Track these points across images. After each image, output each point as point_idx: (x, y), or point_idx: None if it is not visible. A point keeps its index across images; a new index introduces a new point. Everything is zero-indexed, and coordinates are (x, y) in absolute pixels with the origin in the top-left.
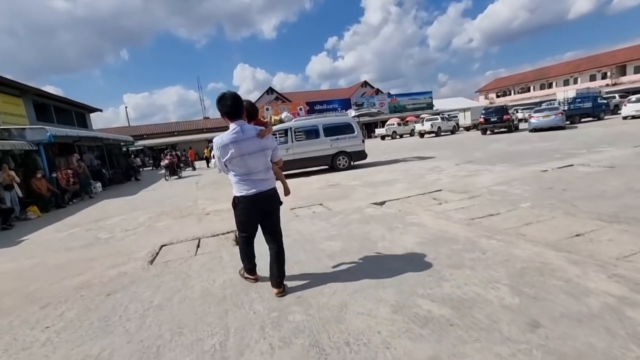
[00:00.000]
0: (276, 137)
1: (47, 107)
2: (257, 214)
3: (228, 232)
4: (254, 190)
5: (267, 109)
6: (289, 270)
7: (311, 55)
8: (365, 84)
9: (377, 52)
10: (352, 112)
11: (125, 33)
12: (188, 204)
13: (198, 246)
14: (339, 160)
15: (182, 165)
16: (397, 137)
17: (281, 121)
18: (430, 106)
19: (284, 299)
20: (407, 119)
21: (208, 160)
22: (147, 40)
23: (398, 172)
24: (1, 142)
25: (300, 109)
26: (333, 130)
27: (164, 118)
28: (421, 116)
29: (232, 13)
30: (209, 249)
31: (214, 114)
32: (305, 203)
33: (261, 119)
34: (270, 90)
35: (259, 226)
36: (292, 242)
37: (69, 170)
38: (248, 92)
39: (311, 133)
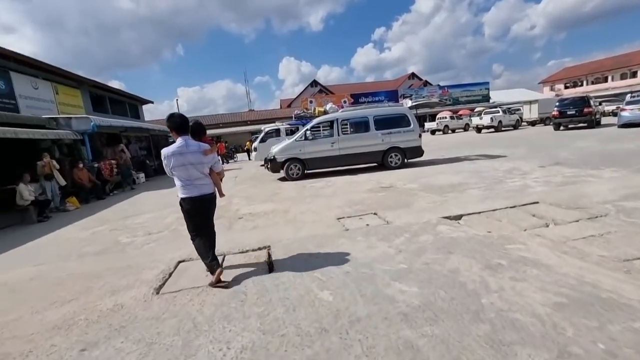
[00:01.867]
0: (319, 130)
1: (102, 98)
2: (198, 212)
3: (259, 249)
4: (195, 193)
5: (311, 102)
6: (343, 334)
7: (357, 47)
8: (413, 75)
9: (427, 42)
10: (408, 102)
11: (181, 30)
12: (221, 203)
13: (221, 267)
14: (391, 157)
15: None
16: (449, 131)
17: (325, 112)
18: (486, 98)
19: None
20: (460, 112)
21: (249, 152)
22: (201, 36)
23: (466, 174)
24: (46, 131)
25: (344, 102)
26: (385, 123)
27: (212, 111)
28: (476, 109)
29: (281, 6)
30: (233, 273)
31: (260, 106)
32: (354, 211)
33: (208, 137)
34: (314, 83)
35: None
36: (343, 275)
37: (112, 161)
38: (293, 85)
39: (360, 125)
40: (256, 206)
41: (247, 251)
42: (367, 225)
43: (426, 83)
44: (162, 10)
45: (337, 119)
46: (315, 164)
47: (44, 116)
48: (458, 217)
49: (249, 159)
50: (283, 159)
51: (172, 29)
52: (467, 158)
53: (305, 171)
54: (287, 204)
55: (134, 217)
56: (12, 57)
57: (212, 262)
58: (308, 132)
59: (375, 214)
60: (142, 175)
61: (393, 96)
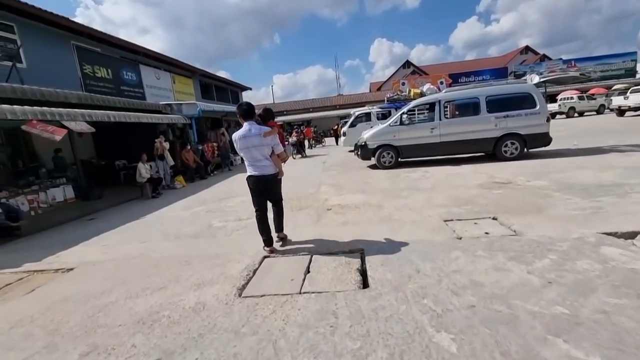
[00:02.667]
0: (414, 114)
1: (209, 86)
2: (262, 192)
3: (350, 252)
4: (257, 173)
5: (403, 84)
6: None
7: (457, 21)
8: (527, 49)
9: (548, 9)
10: (535, 78)
11: (279, 19)
12: (309, 191)
13: (307, 271)
14: (506, 145)
15: (313, 142)
16: (574, 114)
17: (422, 94)
18: (631, 73)
19: None
20: (592, 90)
21: (337, 137)
22: (296, 23)
23: (620, 171)
24: (161, 116)
25: (441, 83)
26: (501, 104)
27: (304, 96)
28: (614, 87)
29: None
30: (321, 283)
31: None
32: (465, 212)
33: (274, 122)
34: (407, 64)
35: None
36: (466, 310)
37: (214, 143)
38: (384, 67)
39: (467, 108)
40: (346, 197)
41: (336, 253)
42: (487, 234)
43: (544, 57)
44: (262, 1)
45: (439, 101)
46: (411, 151)
47: (161, 102)
48: (631, 235)
49: (336, 144)
50: (375, 146)
51: (271, 19)
52: (615, 149)
53: (399, 159)
54: (379, 196)
55: (227, 200)
56: (141, 52)
57: (263, 236)
58: (404, 116)
59: (494, 218)
60: (238, 157)
61: (501, 74)
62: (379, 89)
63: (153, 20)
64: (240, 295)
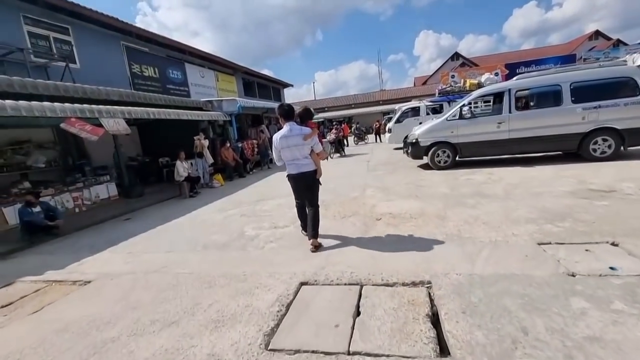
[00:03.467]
0: (477, 106)
1: (252, 84)
2: (301, 188)
3: (413, 285)
4: (296, 171)
5: (453, 76)
6: None
7: (513, 8)
8: (597, 34)
9: None
10: (638, 59)
11: (321, 16)
12: (353, 194)
13: (357, 312)
14: (596, 143)
15: (355, 139)
16: None
17: (480, 86)
18: None
19: None
20: None
21: (379, 134)
22: (338, 19)
23: None
24: (201, 113)
25: (496, 74)
26: (591, 92)
27: (345, 92)
28: None
29: None
30: (377, 336)
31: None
32: (566, 232)
33: (312, 122)
34: (456, 56)
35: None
36: None
37: (253, 141)
38: (430, 60)
39: (546, 97)
40: (397, 203)
41: (393, 284)
42: (614, 269)
43: (618, 42)
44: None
45: (509, 90)
46: (472, 150)
47: (202, 100)
48: None
49: (378, 141)
50: (428, 143)
51: (314, 16)
52: None
53: (457, 159)
54: (438, 204)
55: (264, 202)
56: (187, 51)
57: (307, 234)
58: (465, 108)
59: (614, 244)
60: None
61: (568, 62)
62: (424, 83)
63: (202, 23)
64: (267, 347)
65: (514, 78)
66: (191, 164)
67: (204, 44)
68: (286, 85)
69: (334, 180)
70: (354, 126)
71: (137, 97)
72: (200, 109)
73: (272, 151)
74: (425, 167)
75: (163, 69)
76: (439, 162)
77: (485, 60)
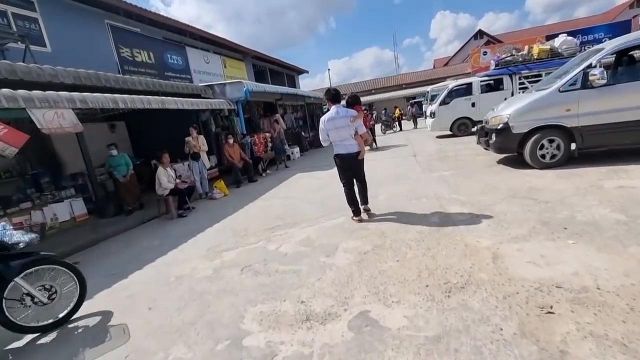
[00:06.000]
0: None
1: (263, 70)
2: (348, 167)
3: None
4: (343, 151)
5: (485, 53)
6: None
7: None
8: (638, 2)
9: None
10: None
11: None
12: (431, 220)
13: None
14: None
15: (383, 128)
16: None
17: (552, 51)
18: None
19: None
20: None
21: (400, 120)
22: (352, 4)
23: None
24: (196, 101)
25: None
26: None
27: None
28: None
29: None
30: None
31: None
32: None
33: (359, 107)
34: (479, 34)
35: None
36: None
37: (266, 134)
38: (447, 42)
39: None
40: (535, 247)
41: None
42: None
43: None
44: None
45: None
46: (605, 136)
47: (201, 85)
48: None
49: (397, 130)
50: (527, 129)
51: (327, 2)
52: None
53: (577, 150)
54: (623, 251)
55: (282, 232)
56: (187, 32)
57: (352, 207)
58: (595, 72)
59: None
60: (296, 150)
61: (622, 29)
62: (446, 64)
63: (215, 15)
64: None
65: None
66: (188, 166)
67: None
68: (301, 71)
69: (379, 186)
70: (378, 112)
71: (103, 80)
72: (199, 95)
73: (285, 145)
74: (509, 163)
75: (160, 53)
76: (544, 156)
77: (511, 37)
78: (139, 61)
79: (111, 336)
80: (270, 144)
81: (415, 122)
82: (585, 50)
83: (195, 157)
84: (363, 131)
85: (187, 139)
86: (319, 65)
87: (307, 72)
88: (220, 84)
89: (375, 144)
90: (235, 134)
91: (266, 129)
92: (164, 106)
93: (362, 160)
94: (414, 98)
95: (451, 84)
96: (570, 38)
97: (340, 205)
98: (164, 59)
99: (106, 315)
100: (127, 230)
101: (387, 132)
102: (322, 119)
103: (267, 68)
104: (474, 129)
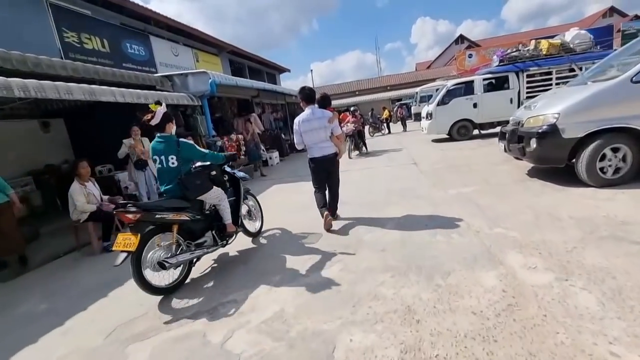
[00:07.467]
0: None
1: (241, 67)
2: (322, 171)
3: None
4: (318, 154)
5: (470, 55)
6: None
7: None
8: (612, 11)
9: None
10: None
11: (317, 2)
12: (458, 241)
13: None
14: None
15: (372, 130)
16: None
17: (563, 46)
18: None
19: None
20: None
21: (388, 123)
22: (334, 6)
23: None
24: (145, 92)
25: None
26: None
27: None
28: None
29: None
30: None
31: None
32: None
33: (331, 108)
34: (460, 39)
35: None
36: None
37: (239, 136)
38: (427, 48)
39: None
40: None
41: None
42: None
43: (637, 17)
44: None
45: None
46: None
47: (157, 75)
48: None
49: (385, 132)
50: (583, 132)
51: (309, 4)
52: None
53: None
54: None
55: (238, 292)
56: (151, 18)
57: (322, 209)
58: None
59: None
60: (275, 155)
61: (606, 34)
62: (428, 67)
63: (196, 14)
64: None
65: None
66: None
67: None
68: (283, 70)
69: (385, 206)
70: (363, 114)
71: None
72: (153, 87)
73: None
74: (546, 176)
75: (116, 41)
76: (605, 170)
77: (492, 43)
78: (89, 49)
79: None
80: (243, 149)
81: (404, 125)
82: (597, 47)
83: (141, 165)
84: (339, 132)
85: (124, 141)
86: (301, 67)
87: (289, 70)
88: (181, 74)
89: (366, 148)
90: (200, 136)
91: (240, 130)
92: (94, 98)
93: (338, 163)
94: (399, 100)
95: (450, 82)
96: (583, 32)
97: (333, 239)
98: (121, 48)
99: None
100: (36, 268)
101: (376, 134)
102: (297, 120)
103: (245, 65)
104: (498, 130)
